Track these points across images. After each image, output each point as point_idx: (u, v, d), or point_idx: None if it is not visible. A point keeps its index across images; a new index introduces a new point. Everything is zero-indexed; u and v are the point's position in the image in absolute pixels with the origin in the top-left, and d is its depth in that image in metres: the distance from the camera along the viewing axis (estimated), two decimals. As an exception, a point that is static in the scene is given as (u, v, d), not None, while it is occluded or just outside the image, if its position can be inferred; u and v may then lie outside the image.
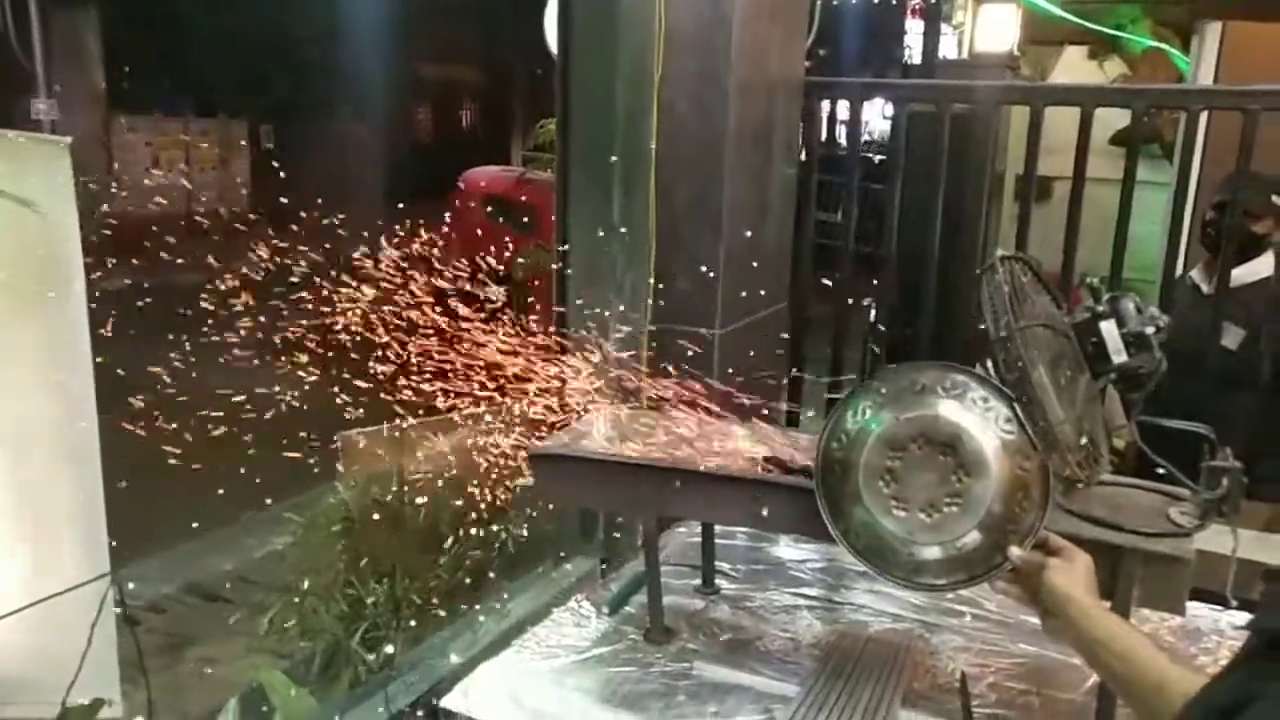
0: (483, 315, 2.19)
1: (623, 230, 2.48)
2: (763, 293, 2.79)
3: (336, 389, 2.38)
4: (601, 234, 2.48)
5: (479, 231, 6.81)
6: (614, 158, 2.44)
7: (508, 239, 6.50)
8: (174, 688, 3.36)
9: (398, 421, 2.69)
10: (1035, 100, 2.70)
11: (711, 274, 2.52)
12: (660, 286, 2.53)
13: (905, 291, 3.21)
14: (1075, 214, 2.65)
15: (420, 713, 2.01)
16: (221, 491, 2.56)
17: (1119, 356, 1.41)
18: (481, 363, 2.17)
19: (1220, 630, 1.77)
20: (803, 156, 3.26)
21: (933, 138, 2.82)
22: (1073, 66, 6.93)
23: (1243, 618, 1.76)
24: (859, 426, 1.44)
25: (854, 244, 3.06)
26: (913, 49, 12.12)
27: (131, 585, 1.85)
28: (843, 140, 7.77)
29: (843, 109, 3.47)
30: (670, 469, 1.62)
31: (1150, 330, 1.41)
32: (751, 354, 2.73)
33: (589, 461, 1.68)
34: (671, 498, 1.64)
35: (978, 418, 1.37)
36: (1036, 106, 2.68)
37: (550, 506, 2.45)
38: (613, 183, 2.47)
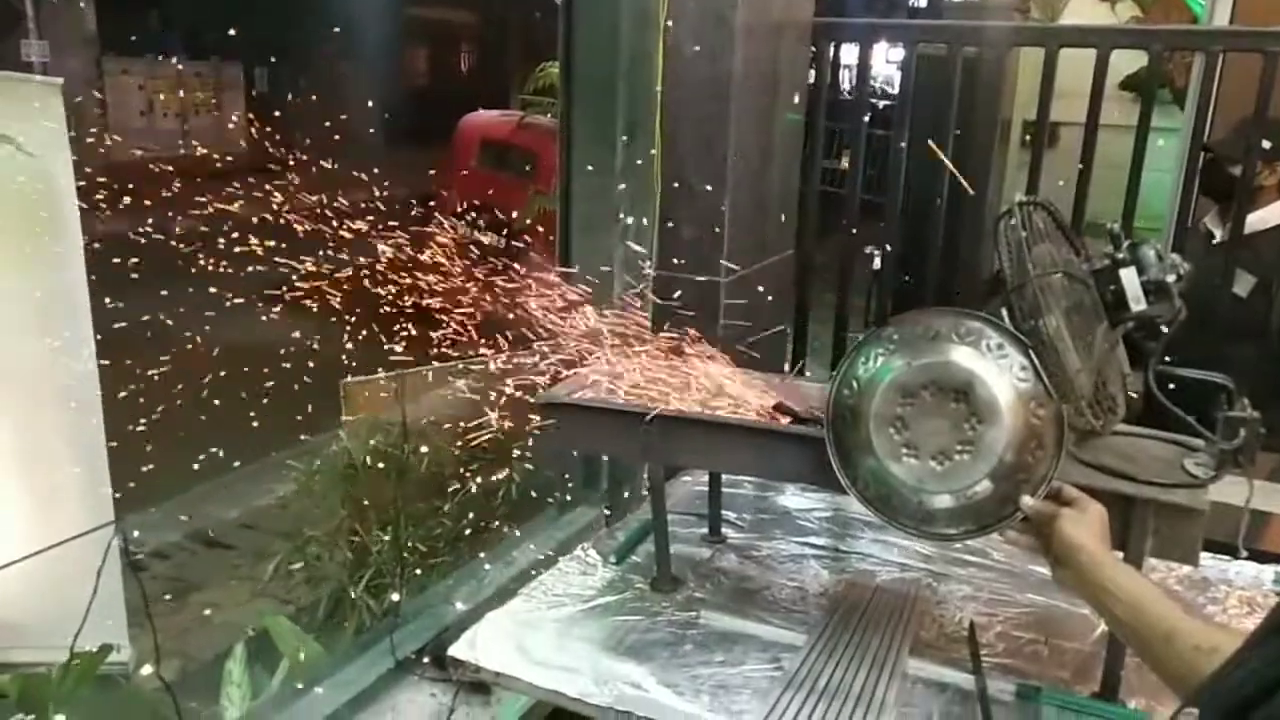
0: (485, 260, 2.17)
1: (627, 175, 2.44)
2: (769, 240, 2.76)
3: (346, 333, 2.36)
4: (606, 179, 2.44)
5: (477, 176, 6.74)
6: (618, 101, 2.39)
7: (506, 184, 6.43)
8: (181, 633, 3.38)
9: (400, 368, 2.68)
10: (1049, 42, 2.63)
11: (718, 220, 2.48)
12: (666, 232, 2.49)
13: (911, 239, 3.17)
14: (1088, 160, 2.61)
15: (427, 660, 2.02)
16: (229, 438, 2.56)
17: (1138, 305, 1.38)
18: (482, 307, 2.14)
19: (1229, 580, 1.77)
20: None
21: (941, 82, 2.76)
22: (1084, 8, 6.80)
23: (1252, 568, 1.76)
24: (870, 374, 1.42)
25: (860, 191, 3.01)
26: (918, -10, 11.93)
27: (136, 533, 1.83)
28: (847, 85, 7.64)
29: (848, 53, 3.38)
30: (678, 417, 1.60)
31: (1171, 278, 1.38)
32: (758, 301, 2.70)
33: (596, 410, 1.67)
34: (680, 446, 1.63)
35: (992, 365, 1.35)
36: (1050, 49, 2.62)
37: (552, 454, 2.44)
38: (617, 127, 2.42)
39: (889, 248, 3.14)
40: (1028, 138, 5.19)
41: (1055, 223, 1.44)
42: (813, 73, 3.00)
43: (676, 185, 2.45)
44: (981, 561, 1.82)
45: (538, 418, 1.77)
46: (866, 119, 3.00)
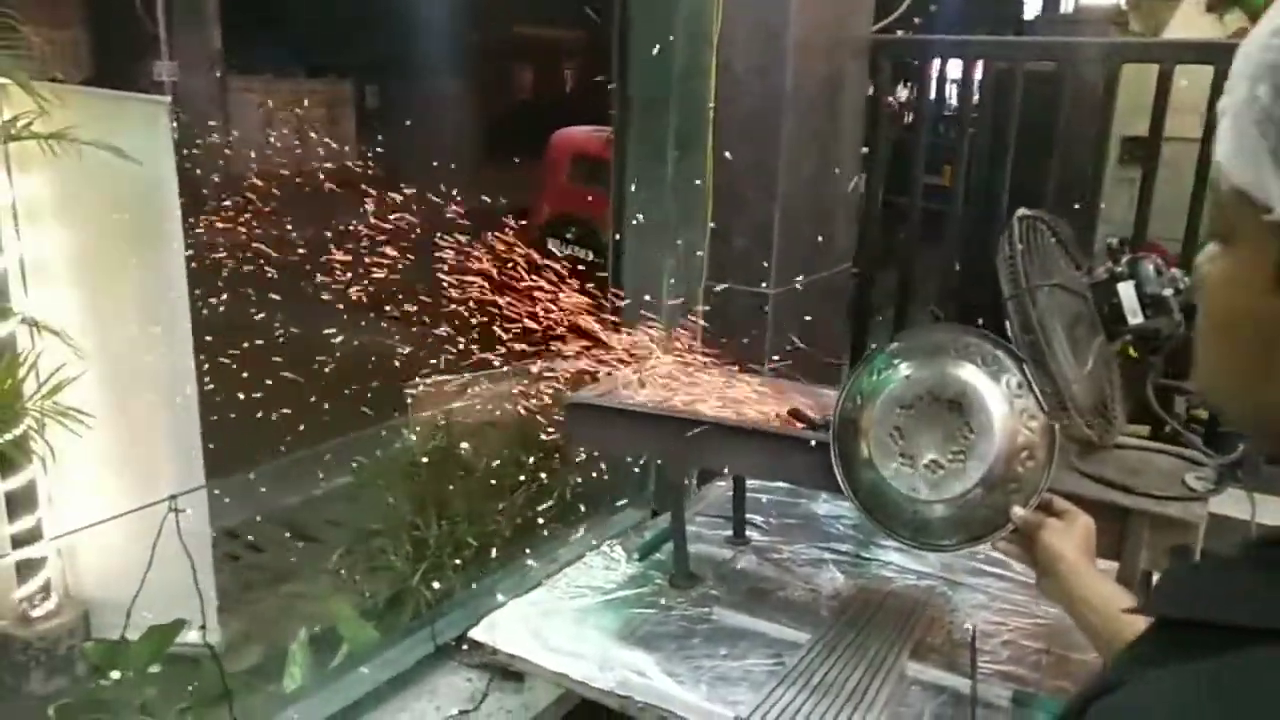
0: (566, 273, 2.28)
1: (679, 188, 2.52)
2: (824, 253, 2.80)
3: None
4: (658, 192, 2.52)
5: (569, 190, 6.90)
6: (670, 116, 2.47)
7: (596, 198, 6.57)
8: (265, 620, 3.58)
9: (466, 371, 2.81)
10: (1112, 57, 2.62)
11: (768, 233, 2.54)
12: (717, 244, 2.56)
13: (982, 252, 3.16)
14: (1150, 180, 2.59)
15: (465, 647, 2.14)
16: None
17: (1135, 318, 1.40)
18: (542, 317, 2.26)
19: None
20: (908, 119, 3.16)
21: (1034, 97, 2.74)
22: (1190, 21, 6.58)
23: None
24: (873, 386, 1.47)
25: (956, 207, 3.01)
26: (1024, 3, 11.77)
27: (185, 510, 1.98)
28: (952, 99, 7.57)
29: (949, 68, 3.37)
30: (693, 420, 1.67)
31: (1169, 292, 1.39)
32: (811, 312, 2.74)
33: (618, 411, 1.75)
34: (695, 448, 1.69)
35: (986, 377, 1.39)
36: (1113, 64, 2.60)
37: (594, 456, 2.53)
38: (669, 141, 2.50)
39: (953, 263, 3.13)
40: (1125, 155, 5.06)
41: (1056, 237, 1.47)
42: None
43: (728, 199, 2.52)
44: (999, 572, 1.83)
45: (569, 419, 1.86)
46: (948, 132, 3.01)
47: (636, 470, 2.60)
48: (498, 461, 2.76)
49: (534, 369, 2.49)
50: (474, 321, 2.39)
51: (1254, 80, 0.51)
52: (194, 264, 2.85)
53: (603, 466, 2.71)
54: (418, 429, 2.82)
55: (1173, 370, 1.50)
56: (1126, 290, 1.39)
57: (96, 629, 3.05)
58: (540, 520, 2.60)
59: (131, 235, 2.81)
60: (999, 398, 1.37)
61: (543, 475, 2.64)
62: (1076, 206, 2.64)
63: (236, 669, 2.74)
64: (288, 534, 4.04)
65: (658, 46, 2.40)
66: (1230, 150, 0.53)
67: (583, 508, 2.72)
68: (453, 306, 2.39)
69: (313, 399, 2.86)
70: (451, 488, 2.64)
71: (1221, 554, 0.59)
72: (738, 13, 2.42)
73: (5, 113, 2.47)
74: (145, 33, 9.93)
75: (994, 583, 1.81)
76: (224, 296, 2.88)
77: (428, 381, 2.96)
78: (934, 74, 2.94)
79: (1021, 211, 1.45)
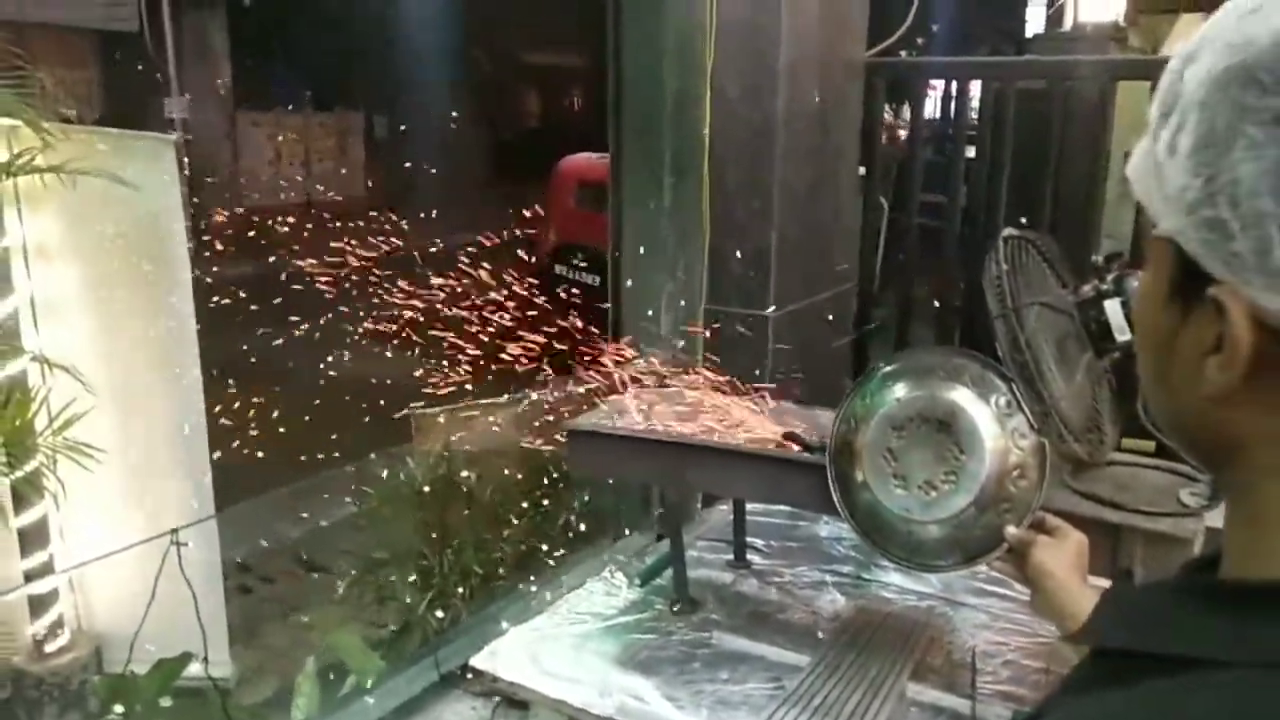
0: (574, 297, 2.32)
1: (676, 213, 2.54)
2: (824, 274, 2.82)
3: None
4: (655, 217, 2.55)
5: (575, 216, 6.94)
6: (665, 142, 2.50)
7: (602, 224, 6.60)
8: (279, 651, 3.59)
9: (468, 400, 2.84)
10: (1103, 74, 2.63)
11: (765, 256, 2.56)
12: (715, 268, 2.58)
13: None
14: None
15: (470, 676, 2.14)
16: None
17: (1123, 335, 1.40)
18: (542, 343, 2.28)
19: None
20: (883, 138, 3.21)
21: (1033, 116, 2.76)
22: (1189, 36, 6.59)
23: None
24: (866, 408, 1.48)
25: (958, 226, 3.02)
26: (1028, 22, 11.83)
27: (189, 543, 2.00)
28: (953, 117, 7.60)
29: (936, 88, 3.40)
30: (689, 444, 1.68)
31: (1156, 309, 1.39)
32: (811, 334, 2.75)
33: (617, 438, 1.75)
34: (693, 472, 1.70)
35: (975, 397, 1.40)
36: (1104, 80, 2.62)
37: (599, 482, 2.54)
38: (665, 167, 2.53)
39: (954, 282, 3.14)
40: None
41: (1042, 256, 1.48)
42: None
43: (725, 223, 2.54)
44: (1001, 592, 1.83)
45: (568, 445, 1.87)
46: (954, 151, 3.02)
47: (642, 495, 2.62)
48: (502, 489, 2.77)
49: (534, 396, 2.51)
50: (477, 349, 2.42)
51: (1156, 101, 0.53)
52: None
53: (607, 493, 2.73)
54: (422, 457, 2.83)
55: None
56: (1113, 307, 1.40)
57: (110, 664, 3.06)
58: (545, 547, 2.61)
59: (140, 270, 2.84)
60: (988, 418, 1.38)
61: (546, 502, 2.65)
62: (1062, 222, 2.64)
63: (251, 701, 2.75)
64: (296, 565, 4.06)
65: (651, 74, 2.43)
66: (1134, 168, 0.54)
67: (587, 534, 2.73)
68: (458, 333, 2.42)
69: (318, 426, 2.89)
70: (466, 514, 2.65)
71: (1158, 579, 0.59)
72: (729, 39, 2.45)
73: (13, 151, 2.51)
74: (157, 71, 10.05)
75: (995, 603, 1.81)
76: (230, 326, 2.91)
77: (429, 411, 2.98)
78: (939, 94, 2.97)
79: (1008, 231, 1.47)
